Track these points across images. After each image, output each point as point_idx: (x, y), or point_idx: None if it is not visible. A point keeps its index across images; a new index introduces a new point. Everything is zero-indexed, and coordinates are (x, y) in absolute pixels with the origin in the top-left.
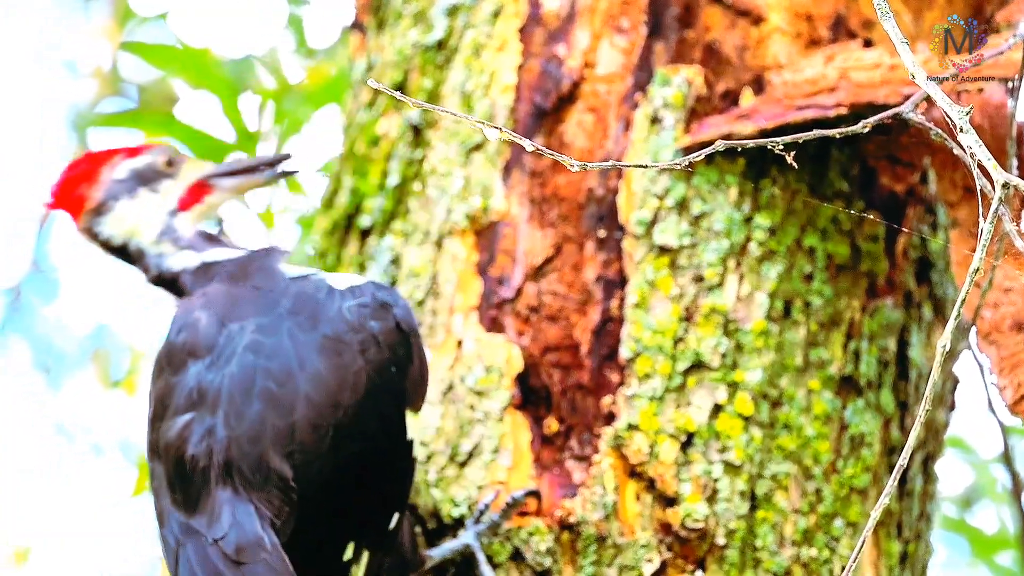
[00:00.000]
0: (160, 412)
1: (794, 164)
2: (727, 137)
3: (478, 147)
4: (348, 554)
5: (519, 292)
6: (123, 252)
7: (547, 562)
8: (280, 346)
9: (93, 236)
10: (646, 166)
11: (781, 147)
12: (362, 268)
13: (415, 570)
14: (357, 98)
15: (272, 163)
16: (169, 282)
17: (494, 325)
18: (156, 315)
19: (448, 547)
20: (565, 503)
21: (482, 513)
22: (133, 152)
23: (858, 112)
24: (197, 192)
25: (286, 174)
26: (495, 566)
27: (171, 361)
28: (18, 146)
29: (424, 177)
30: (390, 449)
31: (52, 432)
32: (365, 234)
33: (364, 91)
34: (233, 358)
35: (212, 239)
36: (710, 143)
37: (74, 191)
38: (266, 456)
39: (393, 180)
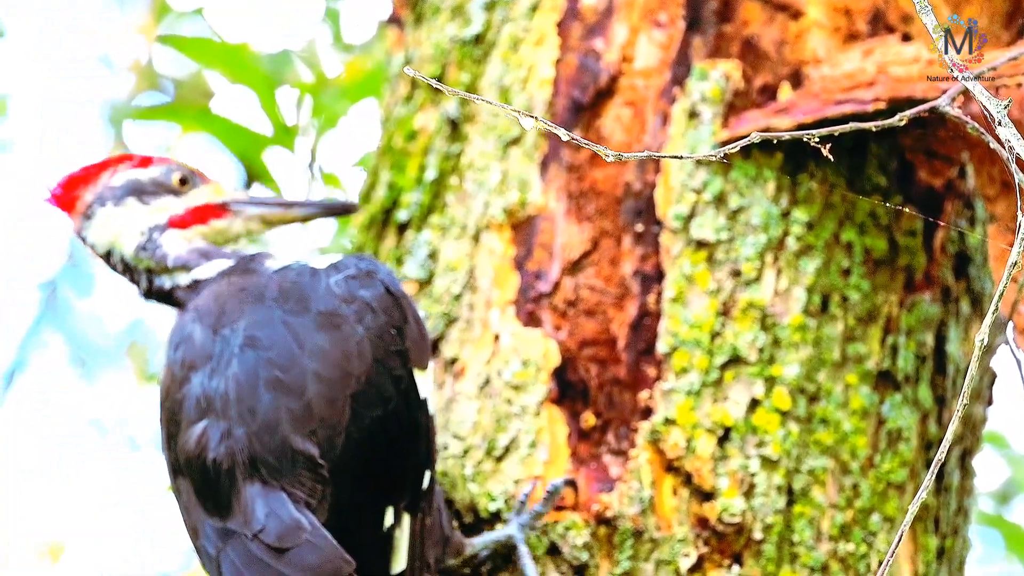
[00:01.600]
0: (174, 430)
1: (830, 157)
2: (765, 131)
3: (515, 141)
4: (389, 519)
5: (556, 286)
6: (109, 261)
7: (584, 556)
8: (276, 335)
9: (83, 240)
10: (681, 157)
11: (817, 140)
12: (399, 262)
13: (454, 552)
14: (395, 92)
15: (316, 205)
16: (164, 295)
17: (531, 319)
18: None
19: (491, 537)
20: (602, 497)
21: (523, 504)
22: (144, 162)
23: (896, 106)
24: (203, 213)
25: (332, 212)
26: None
27: (174, 379)
28: (54, 140)
29: (461, 171)
30: (408, 409)
31: (87, 427)
32: (402, 228)
33: (402, 85)
34: (232, 360)
35: (206, 253)
36: (747, 136)
37: (71, 192)
38: (288, 441)
39: (430, 174)
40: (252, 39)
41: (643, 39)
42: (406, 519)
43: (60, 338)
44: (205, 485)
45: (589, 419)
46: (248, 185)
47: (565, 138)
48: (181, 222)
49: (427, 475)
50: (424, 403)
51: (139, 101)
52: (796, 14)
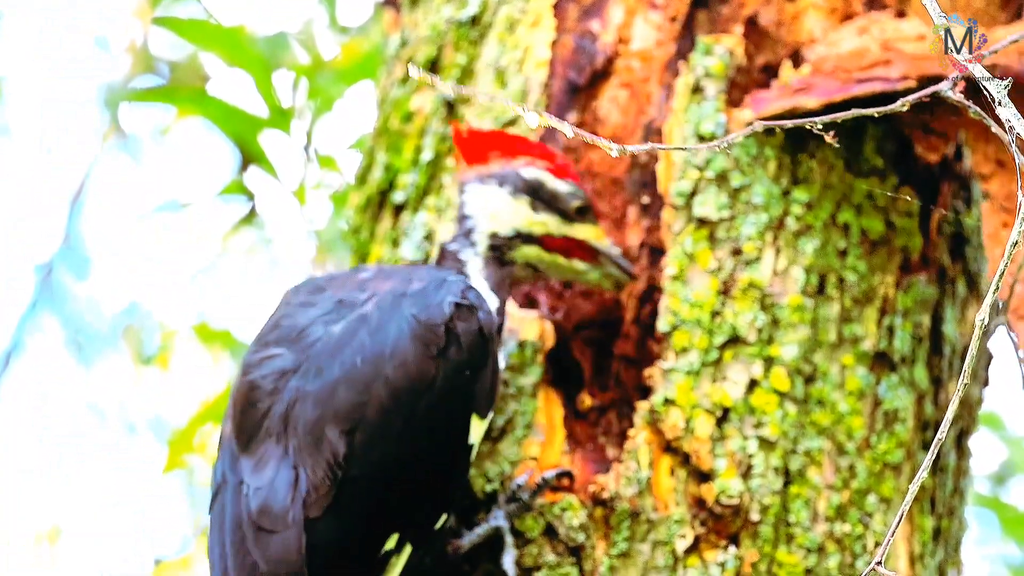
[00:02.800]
0: (263, 334)
1: (835, 144)
2: (791, 110)
3: (512, 123)
4: (390, 544)
5: None
6: (464, 223)
7: (580, 537)
8: (385, 325)
9: (460, 196)
10: (686, 148)
11: (820, 128)
12: (395, 244)
13: (450, 569)
14: (391, 74)
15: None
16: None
17: (527, 301)
18: (188, 292)
19: (478, 532)
20: (598, 478)
21: (515, 493)
22: (562, 171)
23: (924, 85)
24: (575, 249)
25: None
26: (528, 542)
27: (302, 288)
28: (50, 123)
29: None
30: (451, 450)
31: (84, 410)
32: (399, 210)
33: (398, 67)
34: (343, 321)
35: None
36: (769, 118)
37: (485, 149)
38: (324, 425)
39: (427, 155)
40: (248, 21)
41: (639, 20)
42: (407, 549)
43: (56, 321)
44: (242, 404)
45: (585, 400)
46: (243, 168)
47: (570, 134)
48: (552, 245)
49: (443, 517)
50: (469, 449)
51: (135, 83)
52: None
